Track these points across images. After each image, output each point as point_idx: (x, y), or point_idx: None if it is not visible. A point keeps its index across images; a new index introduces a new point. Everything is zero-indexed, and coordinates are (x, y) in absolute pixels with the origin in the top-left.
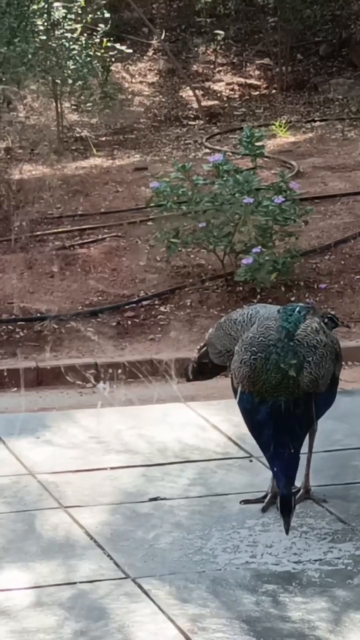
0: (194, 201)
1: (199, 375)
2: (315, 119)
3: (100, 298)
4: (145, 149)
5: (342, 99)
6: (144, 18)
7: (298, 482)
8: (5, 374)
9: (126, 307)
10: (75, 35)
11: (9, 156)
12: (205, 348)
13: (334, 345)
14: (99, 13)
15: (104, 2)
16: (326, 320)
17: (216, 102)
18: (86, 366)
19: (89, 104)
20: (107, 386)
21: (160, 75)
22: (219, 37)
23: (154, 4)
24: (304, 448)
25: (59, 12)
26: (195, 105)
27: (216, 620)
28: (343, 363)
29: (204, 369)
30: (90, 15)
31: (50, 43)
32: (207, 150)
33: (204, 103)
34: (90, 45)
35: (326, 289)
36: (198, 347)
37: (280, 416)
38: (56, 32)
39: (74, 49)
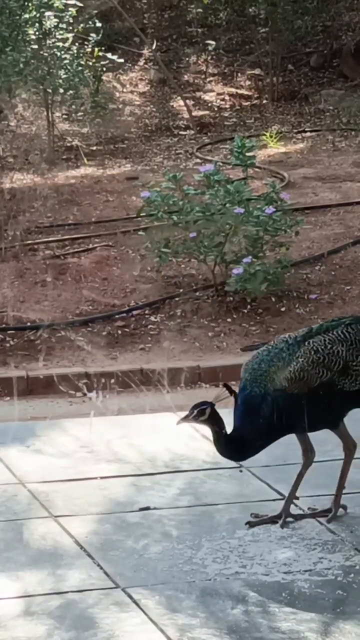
0: (185, 211)
1: None
2: (306, 129)
3: (90, 307)
4: (136, 158)
5: (332, 109)
6: (136, 28)
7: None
8: None
9: (117, 316)
10: (66, 44)
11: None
12: None
13: (348, 360)
14: (90, 22)
15: (96, 11)
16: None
17: (207, 112)
18: (76, 375)
19: (80, 113)
20: (98, 395)
21: (152, 85)
22: (210, 47)
23: (145, 14)
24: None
25: (50, 22)
26: (186, 115)
27: (205, 630)
28: None
29: None
30: (81, 25)
31: (41, 52)
32: (198, 160)
33: (194, 113)
34: (81, 54)
35: (317, 299)
36: None
37: (250, 407)
38: (48, 42)
39: (65, 58)
